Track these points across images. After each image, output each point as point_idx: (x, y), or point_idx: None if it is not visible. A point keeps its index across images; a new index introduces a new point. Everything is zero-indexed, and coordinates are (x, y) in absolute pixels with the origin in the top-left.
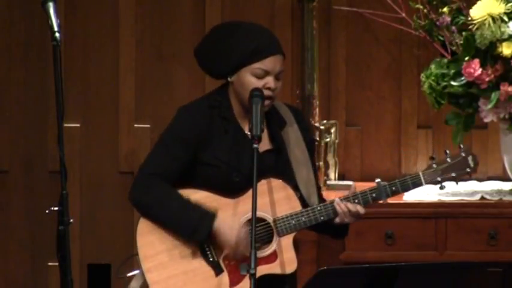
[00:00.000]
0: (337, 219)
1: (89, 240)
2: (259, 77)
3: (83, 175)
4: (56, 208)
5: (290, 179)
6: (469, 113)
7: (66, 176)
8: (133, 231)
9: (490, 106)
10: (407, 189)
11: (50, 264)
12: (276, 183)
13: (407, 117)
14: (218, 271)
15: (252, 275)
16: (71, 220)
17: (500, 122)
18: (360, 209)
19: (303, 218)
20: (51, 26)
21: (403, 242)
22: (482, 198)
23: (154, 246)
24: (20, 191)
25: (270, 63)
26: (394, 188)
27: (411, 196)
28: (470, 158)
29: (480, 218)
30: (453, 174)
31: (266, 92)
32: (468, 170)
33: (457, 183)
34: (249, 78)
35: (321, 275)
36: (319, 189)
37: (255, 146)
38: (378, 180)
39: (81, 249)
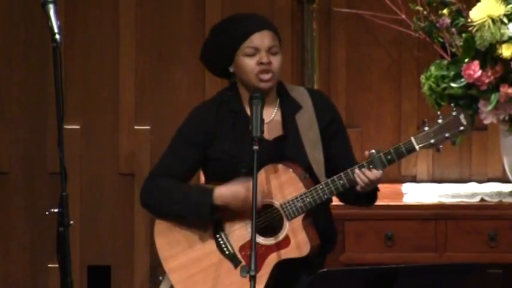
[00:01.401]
0: (358, 188)
1: (89, 242)
2: (251, 55)
3: (83, 176)
4: (56, 209)
5: (302, 162)
6: (469, 114)
7: (66, 178)
8: (133, 233)
9: (489, 108)
10: (401, 155)
11: (50, 265)
12: (280, 167)
13: (407, 119)
14: (236, 263)
15: (252, 277)
16: (71, 222)
17: (500, 123)
18: (377, 173)
19: (308, 199)
20: (51, 28)
21: (402, 243)
22: (482, 200)
23: (172, 246)
24: (20, 192)
25: (256, 39)
26: (389, 157)
27: (411, 198)
28: (462, 116)
29: (480, 219)
30: (446, 135)
31: (261, 67)
32: (462, 128)
33: (453, 144)
34: (243, 60)
35: (321, 276)
36: (355, 162)
37: (255, 147)
38: (372, 151)
39: (81, 250)
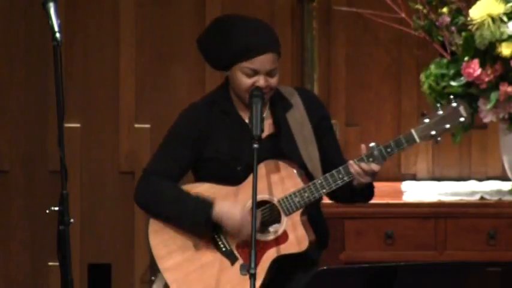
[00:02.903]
0: (354, 182)
1: (89, 240)
2: (249, 75)
3: (84, 175)
4: (56, 208)
5: (295, 159)
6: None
7: (66, 176)
8: (133, 231)
9: (489, 106)
10: (401, 147)
11: (50, 264)
12: (276, 163)
13: (407, 117)
14: (233, 260)
15: (252, 275)
16: (72, 220)
17: (500, 122)
18: (374, 166)
19: (306, 194)
20: (52, 26)
21: (402, 242)
22: (482, 198)
23: (167, 245)
24: (21, 191)
25: (258, 62)
26: (389, 150)
27: (411, 196)
28: (462, 108)
29: (479, 218)
30: (447, 126)
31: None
32: (462, 119)
33: (453, 136)
34: (240, 76)
35: (321, 275)
36: (344, 161)
37: (255, 146)
38: (372, 144)
39: (82, 249)
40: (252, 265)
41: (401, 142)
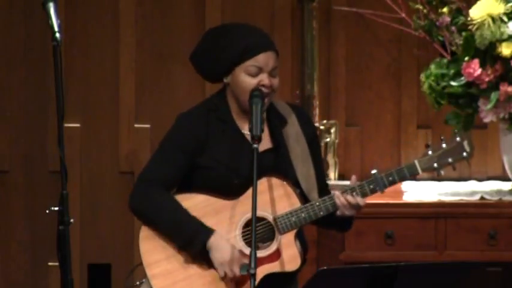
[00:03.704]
0: (338, 212)
1: (89, 240)
2: (253, 74)
3: (83, 175)
4: (56, 208)
5: (291, 176)
6: (469, 113)
7: (66, 176)
8: (133, 231)
9: (489, 106)
10: (404, 178)
11: (50, 264)
12: (274, 181)
13: (407, 117)
14: None
15: (252, 275)
16: (71, 220)
17: (500, 122)
18: (360, 200)
19: (303, 214)
20: (52, 26)
21: (402, 242)
22: (482, 198)
23: (157, 252)
24: (20, 191)
25: (262, 59)
26: (391, 178)
27: (411, 196)
28: (466, 143)
29: (480, 218)
30: (450, 160)
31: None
32: (465, 154)
33: (454, 169)
34: (243, 77)
35: (321, 275)
36: (325, 184)
37: (255, 146)
38: (374, 171)
39: (82, 249)
40: (252, 265)
41: (404, 173)
